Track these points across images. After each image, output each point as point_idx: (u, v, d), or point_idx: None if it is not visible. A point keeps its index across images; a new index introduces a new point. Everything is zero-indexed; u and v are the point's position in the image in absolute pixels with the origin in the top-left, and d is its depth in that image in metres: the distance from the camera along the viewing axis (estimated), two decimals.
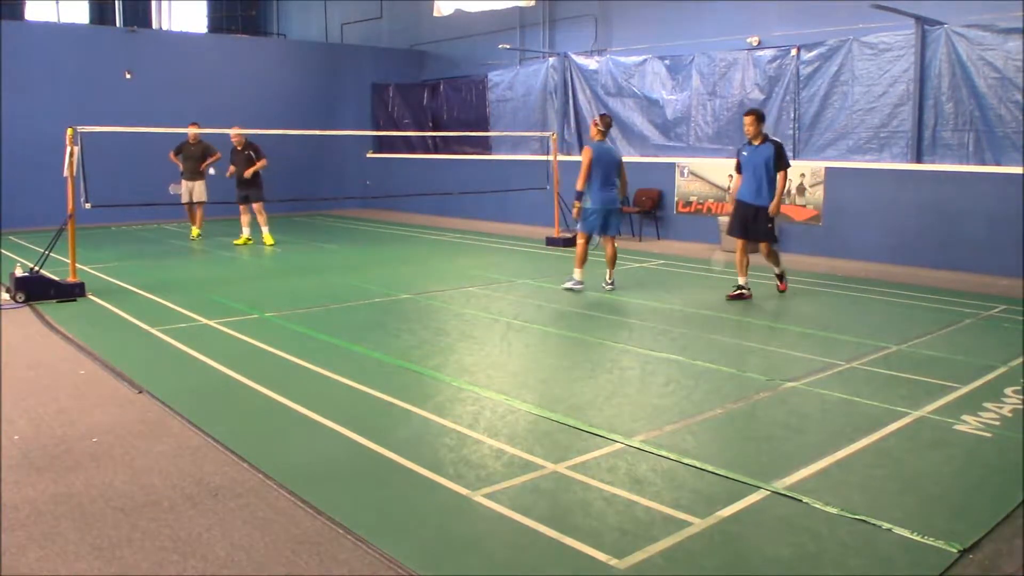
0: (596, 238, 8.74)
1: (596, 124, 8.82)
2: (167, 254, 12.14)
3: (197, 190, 13.39)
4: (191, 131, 13.04)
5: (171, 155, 13.55)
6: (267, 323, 7.35)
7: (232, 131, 12.42)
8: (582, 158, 8.61)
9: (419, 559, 3.14)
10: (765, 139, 8.26)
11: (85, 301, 8.22)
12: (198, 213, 13.69)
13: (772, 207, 8.13)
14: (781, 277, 8.69)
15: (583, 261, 8.78)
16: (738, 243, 8.45)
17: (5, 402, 5.00)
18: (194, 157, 13.30)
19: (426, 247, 13.07)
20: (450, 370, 5.84)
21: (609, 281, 8.83)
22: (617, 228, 8.90)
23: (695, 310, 7.97)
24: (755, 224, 8.24)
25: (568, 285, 8.76)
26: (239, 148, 12.54)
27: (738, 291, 8.32)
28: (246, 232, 13.00)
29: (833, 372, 5.78)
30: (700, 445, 4.38)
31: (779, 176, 8.12)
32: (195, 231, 13.66)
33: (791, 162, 8.67)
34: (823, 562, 3.17)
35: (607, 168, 8.62)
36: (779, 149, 8.18)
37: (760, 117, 8.30)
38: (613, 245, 8.86)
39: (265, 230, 12.87)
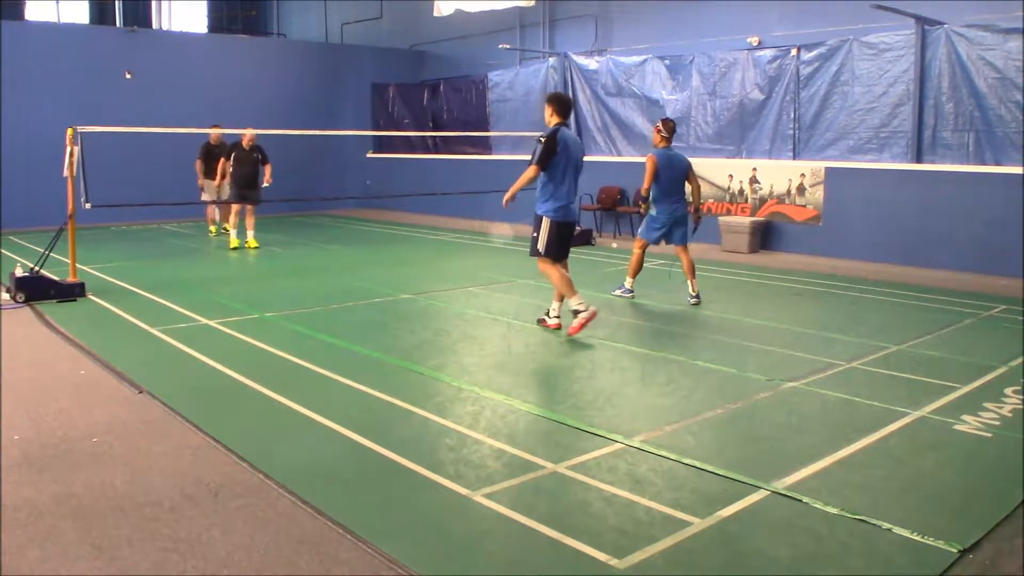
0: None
1: (659, 130, 8.20)
2: (167, 254, 12.14)
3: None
4: (215, 132, 12.88)
5: (221, 163, 12.90)
6: (267, 323, 7.35)
7: (247, 131, 12.35)
8: (646, 165, 8.08)
9: (419, 559, 3.14)
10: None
11: (85, 301, 8.22)
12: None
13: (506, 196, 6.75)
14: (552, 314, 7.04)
15: (637, 270, 8.47)
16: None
17: (5, 402, 5.00)
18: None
19: (426, 247, 13.07)
20: (450, 370, 5.84)
21: (693, 294, 8.14)
22: (683, 238, 8.28)
23: (695, 309, 7.96)
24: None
25: (617, 293, 8.49)
26: (247, 148, 12.41)
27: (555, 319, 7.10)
28: (235, 234, 12.66)
29: (833, 372, 5.78)
30: (700, 445, 4.38)
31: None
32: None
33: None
34: (823, 562, 3.16)
35: (674, 176, 8.15)
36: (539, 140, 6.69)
37: (552, 106, 6.80)
38: (688, 255, 8.26)
39: (252, 233, 12.61)
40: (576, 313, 6.70)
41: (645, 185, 8.11)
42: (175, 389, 5.30)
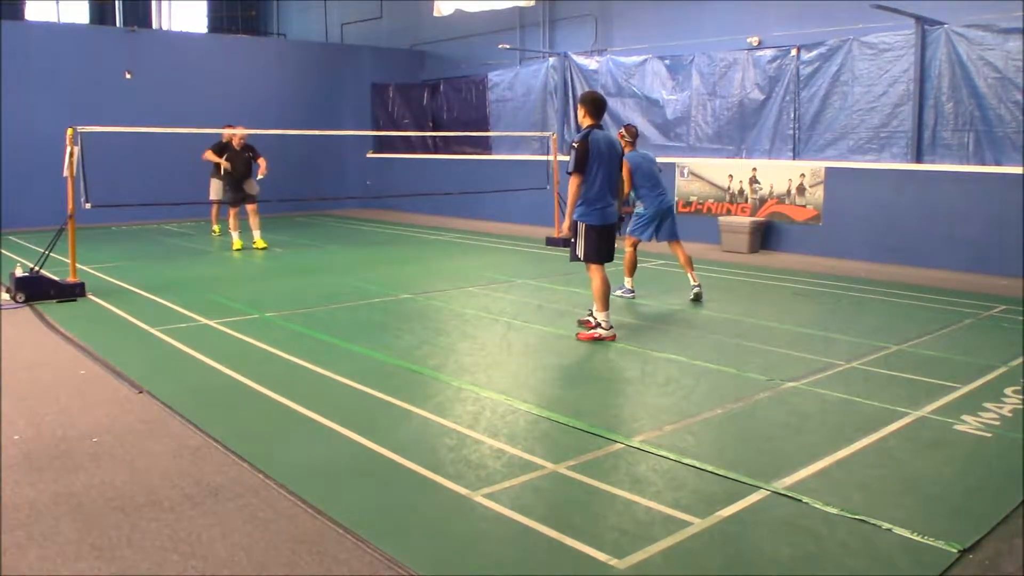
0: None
1: (623, 136, 8.14)
2: (167, 254, 12.13)
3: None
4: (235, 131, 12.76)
5: (213, 156, 12.74)
6: (267, 323, 7.35)
7: (237, 130, 12.31)
8: (622, 171, 7.90)
9: (419, 559, 3.14)
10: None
11: (85, 301, 8.22)
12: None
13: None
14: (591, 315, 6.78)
15: (633, 268, 8.44)
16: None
17: (5, 402, 5.00)
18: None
19: (426, 247, 13.07)
20: (450, 370, 5.84)
21: (695, 284, 8.22)
22: (674, 232, 8.30)
23: (694, 310, 7.96)
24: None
25: (618, 293, 8.33)
26: (238, 148, 12.34)
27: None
28: (237, 236, 12.50)
29: (833, 372, 5.78)
30: (700, 445, 4.38)
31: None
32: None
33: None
34: (823, 562, 3.16)
35: (651, 173, 8.22)
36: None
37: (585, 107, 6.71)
38: (683, 249, 8.32)
39: (258, 233, 12.49)
40: (596, 324, 6.68)
41: (626, 189, 8.17)
42: (175, 389, 5.30)
